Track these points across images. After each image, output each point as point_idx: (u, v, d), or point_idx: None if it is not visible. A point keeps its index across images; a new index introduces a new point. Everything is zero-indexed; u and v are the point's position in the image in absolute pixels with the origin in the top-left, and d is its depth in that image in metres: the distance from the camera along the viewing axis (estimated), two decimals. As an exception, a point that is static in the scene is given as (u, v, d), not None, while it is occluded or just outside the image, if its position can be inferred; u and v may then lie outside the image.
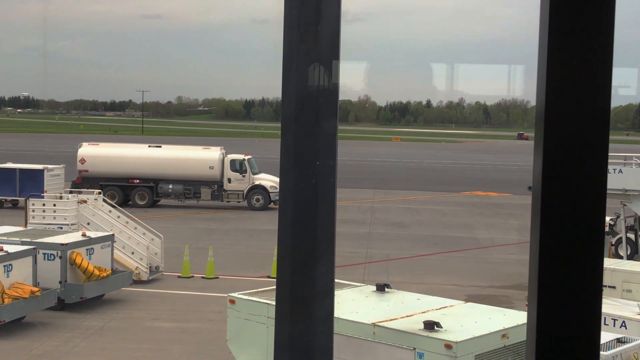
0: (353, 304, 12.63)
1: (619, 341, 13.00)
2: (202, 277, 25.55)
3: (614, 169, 27.36)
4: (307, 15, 3.63)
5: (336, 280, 13.61)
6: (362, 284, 14.82)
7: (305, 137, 3.71)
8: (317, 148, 3.72)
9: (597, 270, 1.74)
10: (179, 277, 25.65)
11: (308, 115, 3.71)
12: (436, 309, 12.18)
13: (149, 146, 45.68)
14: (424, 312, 11.91)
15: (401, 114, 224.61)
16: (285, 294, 4.11)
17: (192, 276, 25.67)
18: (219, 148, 44.56)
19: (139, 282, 24.32)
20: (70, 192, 28.56)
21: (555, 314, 1.73)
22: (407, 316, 11.77)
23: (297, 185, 3.78)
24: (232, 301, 13.03)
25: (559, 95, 1.69)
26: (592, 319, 1.74)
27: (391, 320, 11.57)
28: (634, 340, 13.25)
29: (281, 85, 3.73)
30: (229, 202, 43.42)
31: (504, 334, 11.03)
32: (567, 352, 1.74)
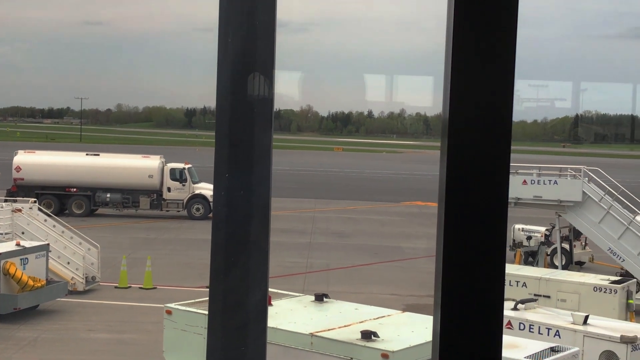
0: (291, 314, 12.60)
1: (553, 350, 13.20)
2: (140, 288, 25.22)
3: (549, 180, 27.91)
4: (241, 25, 3.61)
5: (275, 290, 13.60)
6: (300, 294, 14.81)
7: (240, 148, 3.69)
8: (252, 158, 3.70)
9: (499, 278, 1.75)
10: (116, 287, 25.28)
11: (243, 125, 3.69)
12: (374, 319, 12.22)
13: (87, 154, 44.99)
14: (361, 322, 11.94)
15: (343, 124, 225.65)
16: (217, 305, 4.07)
17: (130, 286, 25.33)
18: (158, 157, 44.15)
19: (74, 293, 23.89)
20: (5, 201, 27.92)
21: (457, 322, 1.74)
22: (345, 326, 11.78)
23: (231, 196, 3.75)
24: (169, 312, 12.88)
25: (462, 107, 1.71)
26: (495, 327, 1.76)
27: (329, 330, 11.57)
28: (568, 349, 13.47)
29: (216, 95, 3.70)
30: (168, 211, 43.03)
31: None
32: (469, 356, 1.75)
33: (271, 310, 12.60)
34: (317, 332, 11.44)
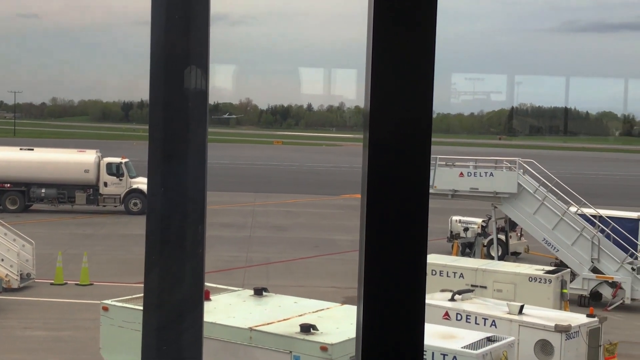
0: (230, 308, 12.55)
1: (489, 340, 13.41)
2: (76, 284, 24.83)
3: (485, 173, 28.32)
4: (174, 17, 3.55)
5: (214, 285, 13.50)
6: (239, 289, 14.75)
7: (174, 142, 3.64)
8: (187, 153, 3.65)
9: (421, 270, 1.77)
10: (52, 284, 24.84)
11: (177, 119, 3.64)
12: (313, 312, 12.24)
13: (21, 149, 44.03)
14: (300, 315, 11.95)
15: (282, 117, 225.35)
16: (152, 300, 4.01)
17: (66, 283, 24.92)
18: (94, 151, 43.49)
19: (9, 290, 23.38)
20: None
21: (380, 314, 1.75)
22: (284, 320, 11.78)
23: (165, 190, 3.70)
24: (105, 308, 12.70)
25: (383, 101, 1.71)
26: (416, 317, 1.77)
27: (268, 324, 11.55)
28: (504, 338, 13.70)
29: (149, 89, 3.64)
30: (105, 206, 42.44)
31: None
32: (391, 347, 1.76)
33: (210, 305, 12.52)
34: (256, 326, 11.42)
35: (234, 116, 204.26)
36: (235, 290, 14.18)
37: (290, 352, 10.90)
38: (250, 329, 11.36)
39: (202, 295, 4.04)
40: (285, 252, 32.54)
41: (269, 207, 48.39)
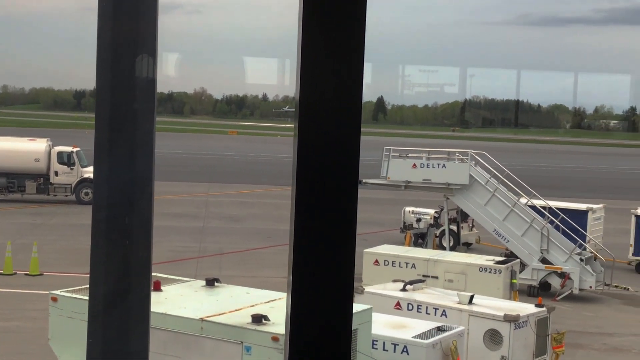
0: (181, 299, 12.49)
1: (439, 329, 13.56)
2: (26, 274, 24.48)
3: (438, 164, 28.55)
4: (121, 7, 3.52)
5: (165, 275, 13.37)
6: (191, 279, 14.68)
7: (121, 131, 3.61)
8: (134, 142, 3.62)
9: (349, 258, 1.78)
10: (1, 274, 24.45)
11: (124, 108, 3.60)
12: (265, 302, 12.24)
13: (-31, 137, 43.27)
14: (252, 306, 11.95)
15: (238, 107, 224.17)
16: (98, 290, 3.99)
17: (15, 273, 24.56)
18: (45, 140, 42.88)
19: (-45, 281, 22.99)
20: None
21: (308, 302, 1.77)
22: (236, 310, 11.76)
23: (112, 180, 3.66)
24: (54, 299, 12.55)
25: (313, 90, 1.73)
26: (344, 305, 1.79)
27: (219, 314, 11.53)
28: (453, 328, 13.86)
29: (95, 78, 3.60)
30: (55, 195, 41.87)
31: (330, 325, 11.24)
32: (320, 335, 1.78)
33: (161, 296, 12.45)
34: (208, 317, 11.38)
35: (292, 109, 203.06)
36: (187, 281, 14.11)
37: (242, 342, 10.89)
38: (202, 319, 11.32)
39: (149, 285, 4.02)
40: (238, 242, 32.46)
41: (223, 197, 48.19)
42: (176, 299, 12.42)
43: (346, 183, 1.75)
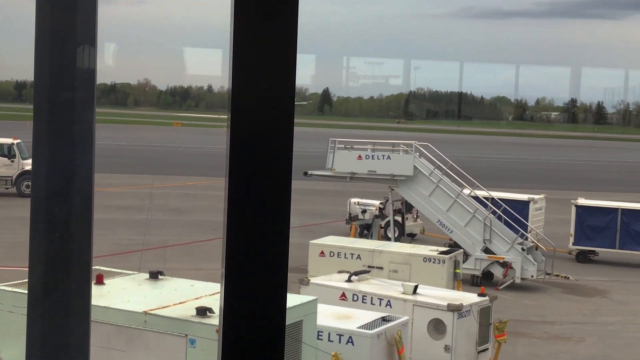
0: (124, 292, 12.36)
1: (384, 320, 13.67)
2: (-36, 269, 23.97)
3: (383, 155, 28.72)
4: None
5: (108, 268, 13.15)
6: (135, 272, 14.53)
7: (60, 122, 3.54)
8: (73, 133, 3.56)
9: (283, 250, 1.78)
10: (-62, 269, 23.91)
11: (63, 99, 3.54)
12: (209, 295, 12.18)
13: None
14: (197, 299, 11.88)
15: (182, 99, 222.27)
16: (37, 284, 3.91)
17: (-47, 268, 24.04)
18: (-16, 131, 42.04)
19: None
20: None
21: (242, 294, 1.76)
22: (180, 303, 11.68)
23: (51, 172, 3.60)
24: (-6, 293, 12.31)
25: (245, 82, 1.72)
26: (279, 296, 1.79)
27: (163, 307, 11.44)
28: (398, 318, 13.99)
29: (33, 69, 3.53)
30: (-4, 188, 41.08)
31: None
32: (253, 325, 1.77)
33: (104, 289, 12.31)
34: (151, 310, 11.29)
35: (304, 103, 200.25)
36: (130, 274, 13.97)
37: (186, 335, 10.83)
38: (145, 312, 11.22)
39: (89, 278, 3.96)
40: (183, 235, 32.24)
41: (168, 189, 47.79)
42: (119, 292, 12.29)
43: (279, 174, 1.75)
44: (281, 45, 1.73)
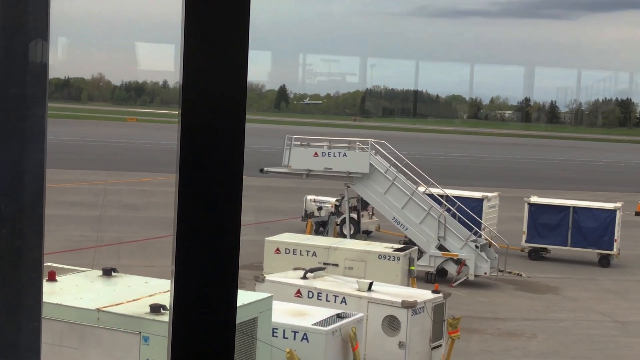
0: (77, 289, 12.21)
1: (339, 316, 13.72)
2: None
3: (339, 153, 28.79)
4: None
5: (60, 265, 12.95)
6: (88, 269, 14.37)
7: (10, 118, 3.49)
8: (24, 129, 3.51)
9: (234, 247, 1.78)
10: None
11: (13, 94, 3.49)
12: (164, 292, 12.09)
13: None
14: (151, 296, 11.79)
15: (137, 94, 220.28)
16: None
17: None
18: None
19: None
20: None
21: (192, 292, 1.76)
22: (133, 300, 11.59)
23: (1, 167, 3.54)
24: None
25: (196, 78, 1.71)
26: (229, 294, 1.78)
27: (116, 305, 11.33)
28: (353, 315, 14.04)
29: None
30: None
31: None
32: (203, 324, 1.77)
33: (56, 286, 12.14)
34: (104, 307, 11.17)
35: (318, 102, 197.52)
36: (83, 271, 13.81)
37: (139, 332, 10.74)
38: (98, 310, 11.10)
39: (40, 275, 3.91)
40: (137, 231, 31.97)
41: (122, 185, 47.33)
42: (72, 289, 12.14)
43: (231, 170, 1.74)
44: (232, 39, 1.71)
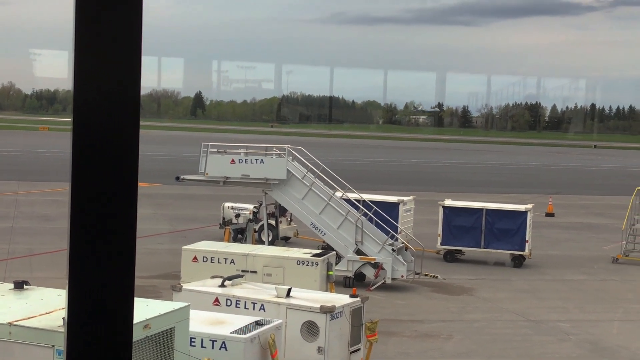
0: (-13, 304, 11.86)
1: (258, 324, 13.70)
2: None
3: (256, 159, 28.74)
4: None
5: (-32, 280, 12.46)
6: (-2, 283, 13.97)
7: None
8: None
9: (129, 258, 1.78)
10: None
11: None
12: (78, 304, 11.86)
13: None
14: (64, 308, 11.53)
15: (49, 103, 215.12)
16: None
17: None
18: None
19: None
20: None
21: (87, 299, 1.75)
22: (47, 313, 11.32)
23: None
24: None
25: (88, 84, 1.70)
26: (125, 306, 1.78)
27: (29, 318, 11.06)
28: (271, 322, 14.04)
29: None
30: None
31: (146, 324, 11.06)
32: (98, 337, 1.77)
33: (-36, 301, 11.77)
34: (16, 321, 10.89)
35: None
36: (-6, 285, 13.42)
37: (53, 346, 10.50)
38: (10, 324, 10.81)
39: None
40: (51, 242, 31.21)
41: (34, 196, 46.16)
42: (-18, 304, 11.78)
43: (125, 177, 1.73)
44: (125, 44, 1.70)
